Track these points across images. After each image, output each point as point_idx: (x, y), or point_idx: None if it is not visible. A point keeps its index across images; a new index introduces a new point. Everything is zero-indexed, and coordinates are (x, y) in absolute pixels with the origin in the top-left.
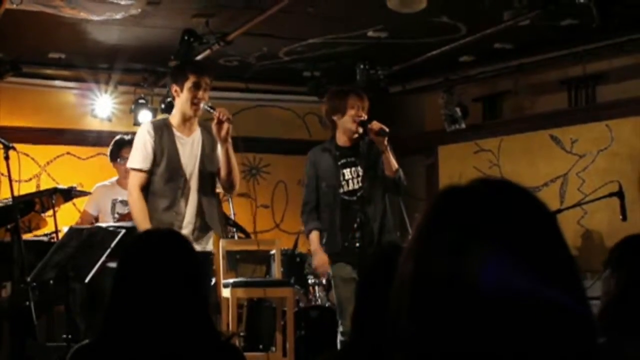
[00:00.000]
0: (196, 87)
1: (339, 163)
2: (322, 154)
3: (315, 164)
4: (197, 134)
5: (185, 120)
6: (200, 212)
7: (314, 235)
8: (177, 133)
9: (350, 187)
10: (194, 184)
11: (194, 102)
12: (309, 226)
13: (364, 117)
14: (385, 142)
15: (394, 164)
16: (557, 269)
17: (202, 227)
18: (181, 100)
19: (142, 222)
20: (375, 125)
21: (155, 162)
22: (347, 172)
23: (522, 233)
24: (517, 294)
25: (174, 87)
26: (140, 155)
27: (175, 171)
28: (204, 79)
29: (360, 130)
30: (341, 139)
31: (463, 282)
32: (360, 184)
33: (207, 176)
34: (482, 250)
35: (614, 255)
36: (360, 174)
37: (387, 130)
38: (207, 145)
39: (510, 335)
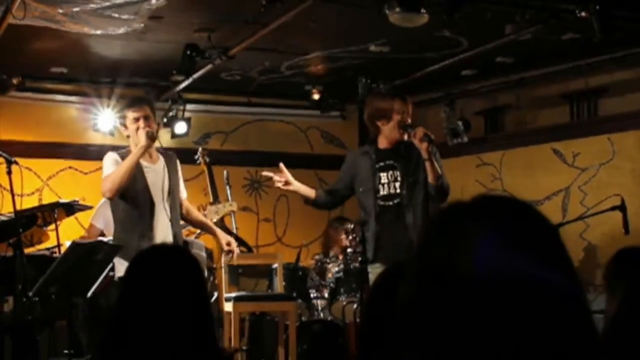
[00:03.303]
0: (135, 120)
1: (376, 166)
2: (361, 157)
3: (354, 165)
4: (161, 161)
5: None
6: (174, 238)
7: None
8: (141, 161)
9: (386, 192)
10: (163, 211)
11: (137, 133)
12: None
13: (409, 122)
14: (430, 149)
15: (438, 170)
16: (553, 258)
17: None
18: (131, 135)
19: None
20: (420, 131)
21: (125, 189)
22: (383, 175)
23: (521, 230)
24: (512, 279)
25: (122, 129)
26: (113, 167)
27: (144, 197)
28: (141, 110)
29: (405, 136)
30: (382, 143)
31: (460, 272)
32: (398, 190)
33: (176, 202)
34: (478, 239)
35: (610, 271)
36: (399, 178)
37: (431, 136)
38: (172, 172)
39: (508, 323)
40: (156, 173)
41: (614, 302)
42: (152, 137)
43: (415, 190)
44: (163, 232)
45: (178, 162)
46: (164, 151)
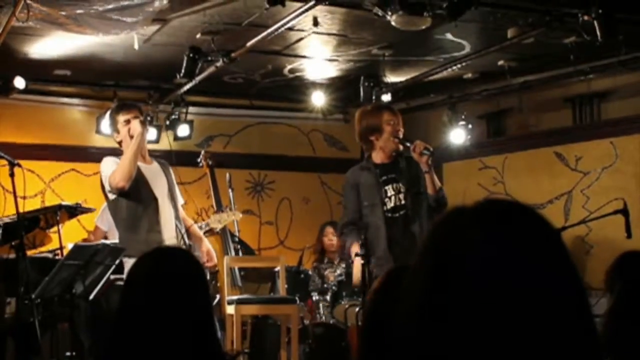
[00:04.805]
0: (126, 122)
1: (381, 180)
2: (362, 173)
3: (355, 184)
4: (156, 164)
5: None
6: (178, 234)
7: (355, 248)
8: (138, 163)
9: (393, 204)
10: (167, 205)
11: (130, 136)
12: (351, 239)
13: (402, 132)
14: (429, 162)
15: (437, 183)
16: (555, 263)
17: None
18: (123, 139)
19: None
20: (419, 145)
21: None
22: (388, 188)
23: (522, 235)
24: (510, 285)
25: (115, 135)
26: (115, 166)
27: (146, 193)
28: (131, 112)
29: (401, 147)
30: (379, 157)
31: (459, 278)
32: (403, 201)
33: (176, 202)
34: (477, 245)
35: (610, 274)
36: (402, 190)
37: (431, 149)
38: (169, 178)
39: (506, 329)
40: (153, 172)
41: (612, 306)
42: (144, 124)
43: (419, 200)
44: (170, 225)
45: (171, 169)
46: (157, 159)
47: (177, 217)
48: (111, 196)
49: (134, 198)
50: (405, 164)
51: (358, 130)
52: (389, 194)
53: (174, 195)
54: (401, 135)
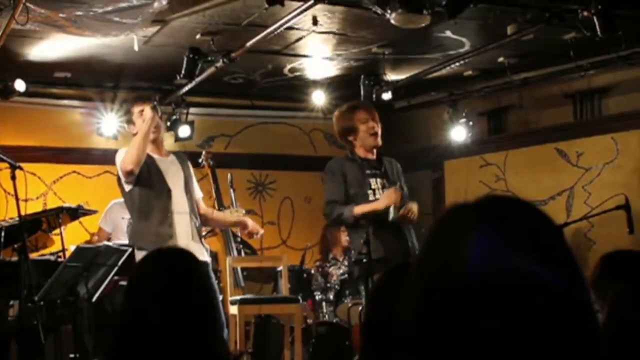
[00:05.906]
0: (141, 113)
1: (366, 172)
2: (347, 163)
3: (342, 173)
4: (172, 157)
5: (150, 143)
6: (192, 228)
7: (356, 207)
8: (153, 155)
9: (376, 197)
10: (181, 198)
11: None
12: (344, 210)
13: (378, 127)
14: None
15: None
16: (555, 258)
17: (196, 240)
18: (138, 129)
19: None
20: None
21: (140, 178)
22: (372, 181)
23: (522, 230)
24: (508, 280)
25: (131, 127)
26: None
27: (160, 184)
28: (144, 104)
29: (379, 141)
30: (361, 152)
31: (456, 273)
32: None
33: (192, 195)
34: (475, 239)
35: (597, 277)
36: (386, 185)
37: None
38: (186, 171)
39: (502, 324)
40: (168, 164)
41: (604, 308)
42: (155, 109)
43: (401, 197)
44: (183, 219)
45: (189, 163)
46: (175, 153)
47: (192, 210)
48: (127, 187)
49: (148, 188)
50: (388, 165)
51: (336, 131)
52: (372, 187)
53: (190, 188)
54: (377, 131)
